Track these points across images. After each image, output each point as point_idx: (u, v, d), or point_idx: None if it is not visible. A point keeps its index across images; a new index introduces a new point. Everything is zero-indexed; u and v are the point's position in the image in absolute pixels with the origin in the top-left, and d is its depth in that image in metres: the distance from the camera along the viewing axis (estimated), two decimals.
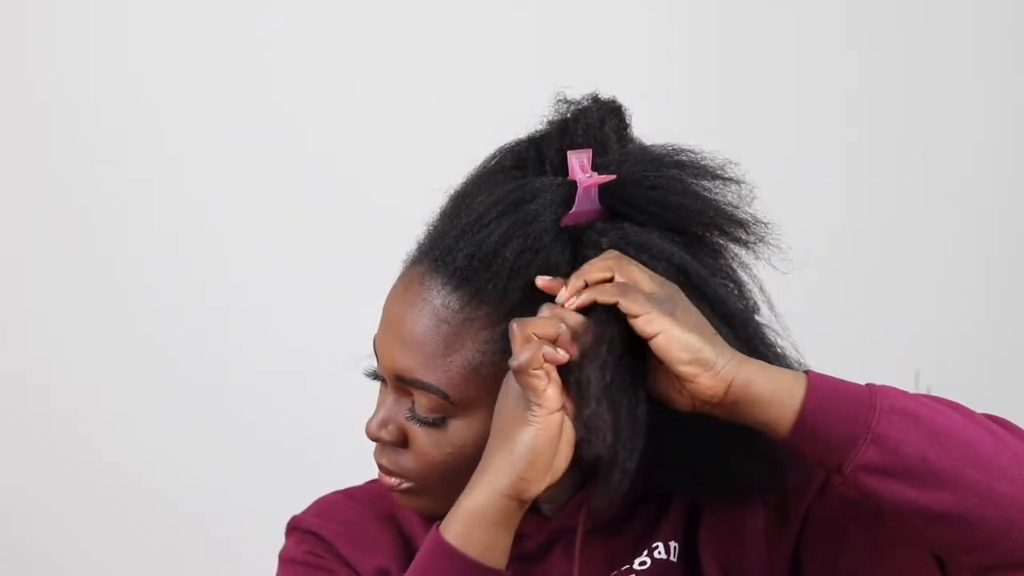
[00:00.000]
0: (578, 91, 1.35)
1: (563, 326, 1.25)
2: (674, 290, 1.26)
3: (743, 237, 1.33)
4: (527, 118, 1.36)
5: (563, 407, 1.25)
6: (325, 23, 2.63)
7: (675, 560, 1.39)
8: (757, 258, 1.34)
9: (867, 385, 1.26)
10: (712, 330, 1.26)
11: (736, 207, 1.33)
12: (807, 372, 1.27)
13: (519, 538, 1.37)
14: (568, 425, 1.25)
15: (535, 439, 1.23)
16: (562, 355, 1.24)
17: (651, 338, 1.23)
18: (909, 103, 2.79)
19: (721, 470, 1.36)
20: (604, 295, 1.24)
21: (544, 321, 1.25)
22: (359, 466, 1.51)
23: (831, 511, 1.37)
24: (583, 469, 1.37)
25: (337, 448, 1.94)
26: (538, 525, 1.39)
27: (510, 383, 1.26)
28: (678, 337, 1.23)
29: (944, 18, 2.77)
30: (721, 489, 1.38)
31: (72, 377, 2.61)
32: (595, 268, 1.26)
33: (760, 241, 1.33)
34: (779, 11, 2.74)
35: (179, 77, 2.59)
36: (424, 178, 1.45)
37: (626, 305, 1.23)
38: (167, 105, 2.59)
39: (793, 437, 1.25)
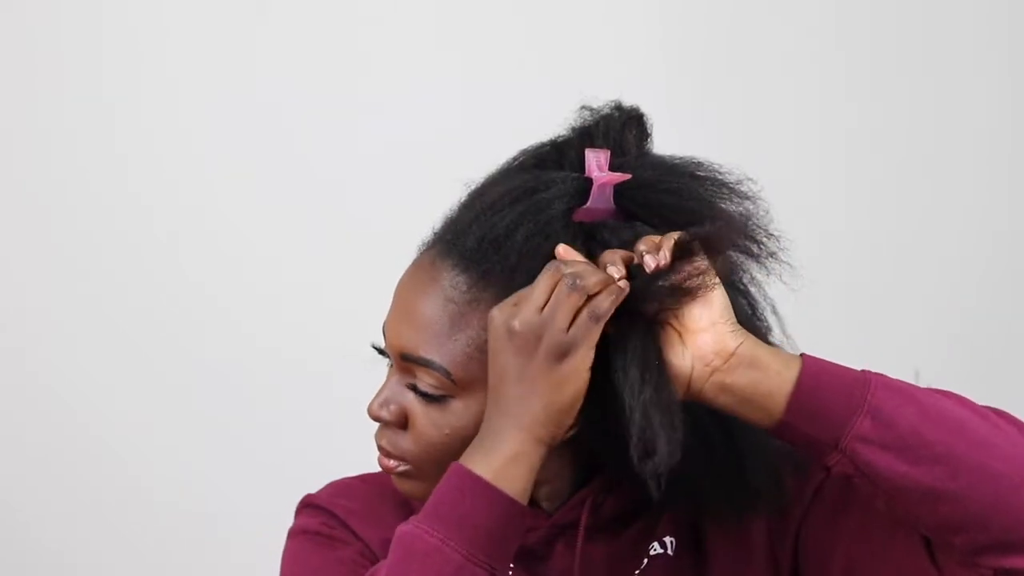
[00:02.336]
0: (599, 100, 1.37)
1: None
2: None
3: (754, 251, 1.33)
4: (541, 120, 1.37)
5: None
6: (330, 26, 2.63)
7: (671, 554, 1.40)
8: (768, 273, 1.34)
9: (861, 369, 1.27)
10: None
11: (749, 220, 1.33)
12: (801, 354, 1.28)
13: None
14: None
15: (580, 389, 1.24)
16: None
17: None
18: (908, 103, 2.79)
19: (724, 487, 1.37)
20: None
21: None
22: (364, 467, 1.51)
23: (825, 513, 1.38)
24: (583, 464, 1.38)
25: (340, 449, 1.94)
26: (539, 520, 1.39)
27: (513, 338, 1.25)
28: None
29: (944, 17, 2.78)
30: (726, 505, 1.39)
31: (72, 377, 2.60)
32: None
33: (771, 256, 1.33)
34: (779, 12, 2.75)
35: (182, 76, 2.59)
36: (434, 178, 1.46)
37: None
38: (170, 103, 2.59)
39: (789, 413, 1.25)
